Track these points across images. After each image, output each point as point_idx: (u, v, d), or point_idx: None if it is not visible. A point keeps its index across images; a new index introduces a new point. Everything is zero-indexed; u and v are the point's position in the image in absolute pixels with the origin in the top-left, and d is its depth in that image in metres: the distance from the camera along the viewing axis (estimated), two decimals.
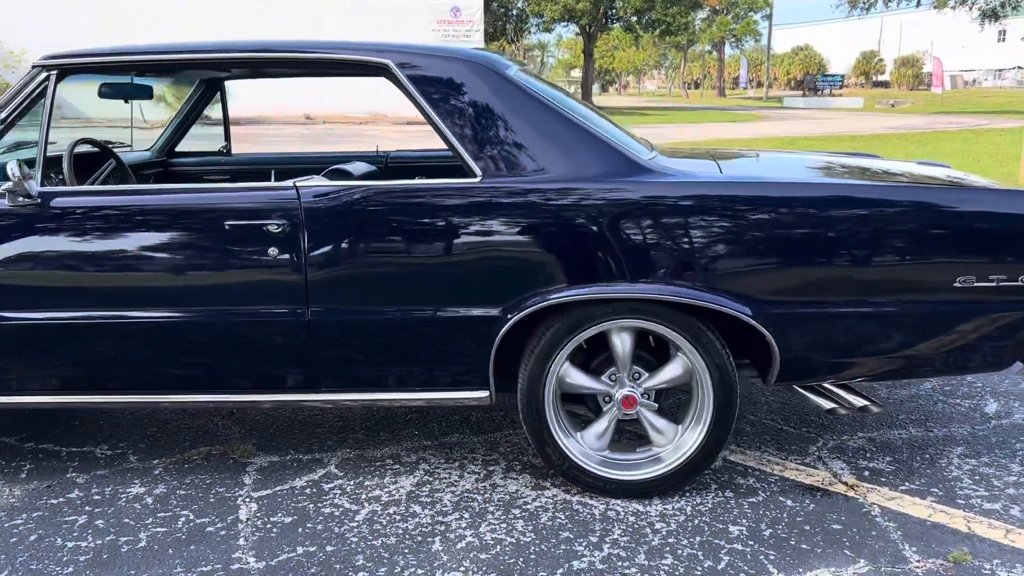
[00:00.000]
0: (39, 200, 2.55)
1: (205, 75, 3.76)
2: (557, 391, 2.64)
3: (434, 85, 2.59)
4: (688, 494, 2.68)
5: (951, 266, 2.47)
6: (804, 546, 2.38)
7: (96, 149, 3.37)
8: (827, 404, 2.69)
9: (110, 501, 2.67)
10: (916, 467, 2.85)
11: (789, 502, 2.63)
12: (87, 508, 2.63)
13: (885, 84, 65.06)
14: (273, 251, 2.52)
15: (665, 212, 2.48)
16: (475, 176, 2.53)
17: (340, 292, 2.54)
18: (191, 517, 2.57)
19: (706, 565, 2.30)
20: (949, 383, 3.62)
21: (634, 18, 40.00)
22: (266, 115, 25.79)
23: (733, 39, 61.18)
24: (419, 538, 2.44)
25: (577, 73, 62.38)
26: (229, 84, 4.09)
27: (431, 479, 2.81)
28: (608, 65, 77.59)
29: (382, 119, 26.41)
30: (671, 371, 2.63)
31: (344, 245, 2.51)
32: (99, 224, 2.58)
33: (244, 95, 24.81)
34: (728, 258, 2.47)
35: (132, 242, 2.56)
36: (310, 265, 2.52)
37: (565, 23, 39.42)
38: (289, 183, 2.58)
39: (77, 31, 24.52)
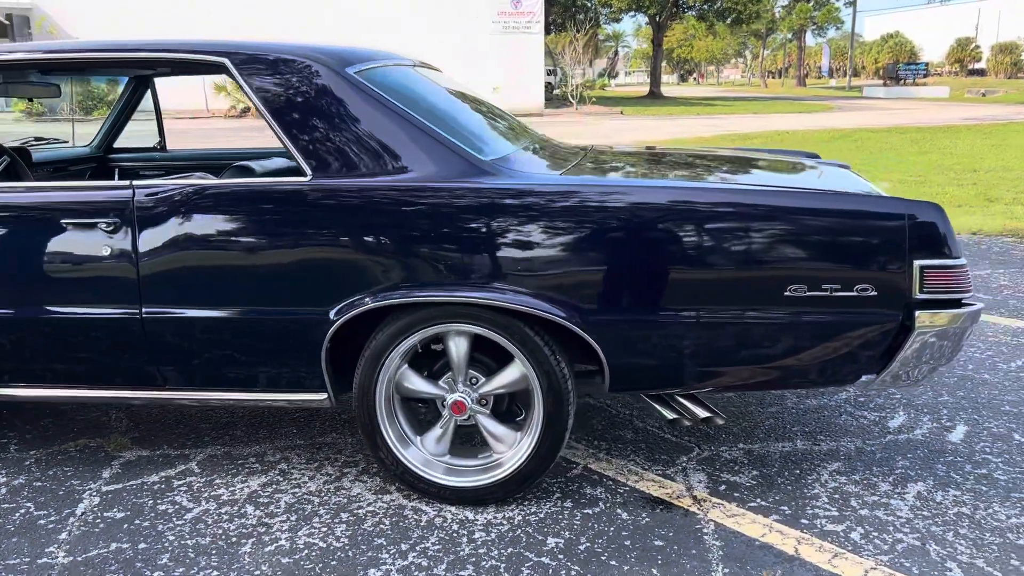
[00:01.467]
0: None
1: (96, 74, 3.87)
2: (392, 394, 2.61)
3: (268, 83, 2.58)
4: (525, 502, 2.62)
5: (781, 274, 2.34)
6: (613, 562, 2.30)
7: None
8: (670, 414, 2.59)
9: None
10: (779, 483, 2.72)
11: (624, 515, 2.54)
12: None
13: (981, 72, 62.24)
14: (107, 250, 2.55)
15: (490, 214, 2.41)
16: (305, 175, 2.51)
17: (172, 291, 2.55)
18: (31, 509, 2.63)
19: None
20: (865, 393, 3.44)
21: (705, 6, 39.20)
22: None
23: (814, 27, 59.35)
24: (234, 539, 2.45)
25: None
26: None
27: (281, 479, 2.81)
28: (686, 55, 76.31)
29: None
30: (507, 377, 2.56)
31: (175, 244, 2.53)
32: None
33: None
34: (552, 262, 2.39)
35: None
36: (143, 264, 2.55)
37: (633, 13, 38.90)
38: (126, 182, 2.61)
39: (131, 12, 25.54)
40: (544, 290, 2.40)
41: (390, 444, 2.61)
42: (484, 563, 2.31)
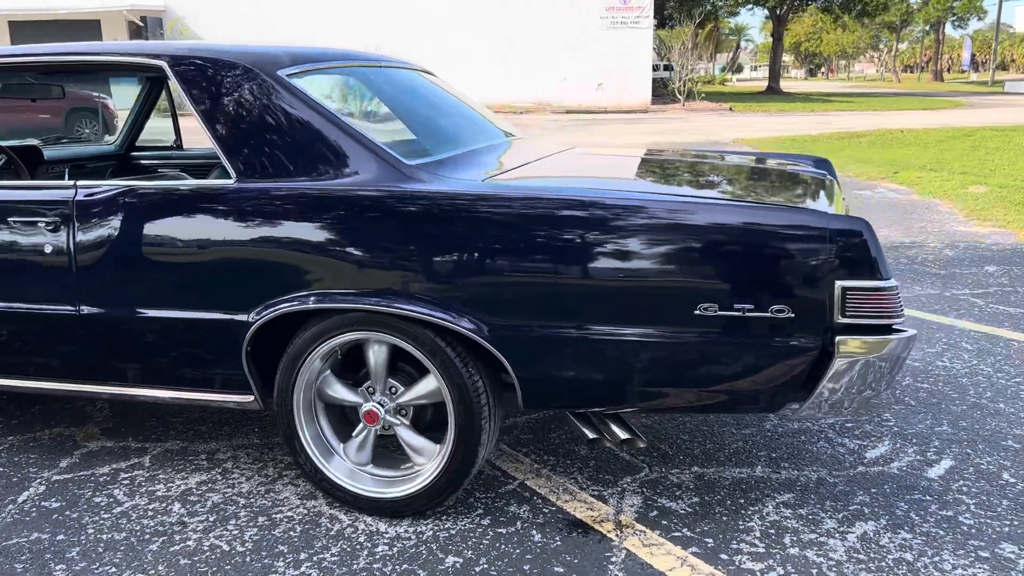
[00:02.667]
0: None
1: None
2: (313, 399, 2.59)
3: (200, 86, 2.60)
4: (443, 517, 2.55)
5: (690, 292, 2.17)
6: None
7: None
8: (592, 434, 2.46)
9: None
10: (716, 512, 2.55)
11: (538, 537, 2.44)
12: None
13: None
14: (49, 248, 2.64)
15: (399, 221, 2.35)
16: (231, 178, 2.52)
17: (105, 290, 2.61)
18: (45, 506, 2.74)
19: None
20: (854, 419, 3.19)
21: None
22: None
23: (954, 18, 55.99)
24: (147, 537, 2.49)
25: (785, 58, 59.47)
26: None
27: (220, 478, 2.84)
28: (814, 48, 73.49)
29: (544, 107, 26.57)
30: (424, 387, 2.50)
31: (107, 244, 2.58)
32: None
33: None
34: (459, 272, 2.31)
35: None
36: (79, 263, 2.62)
37: (751, 6, 37.71)
38: (70, 182, 2.68)
39: (262, 17, 26.61)
40: (451, 300, 2.32)
41: (308, 449, 2.60)
42: None
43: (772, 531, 2.44)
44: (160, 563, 2.35)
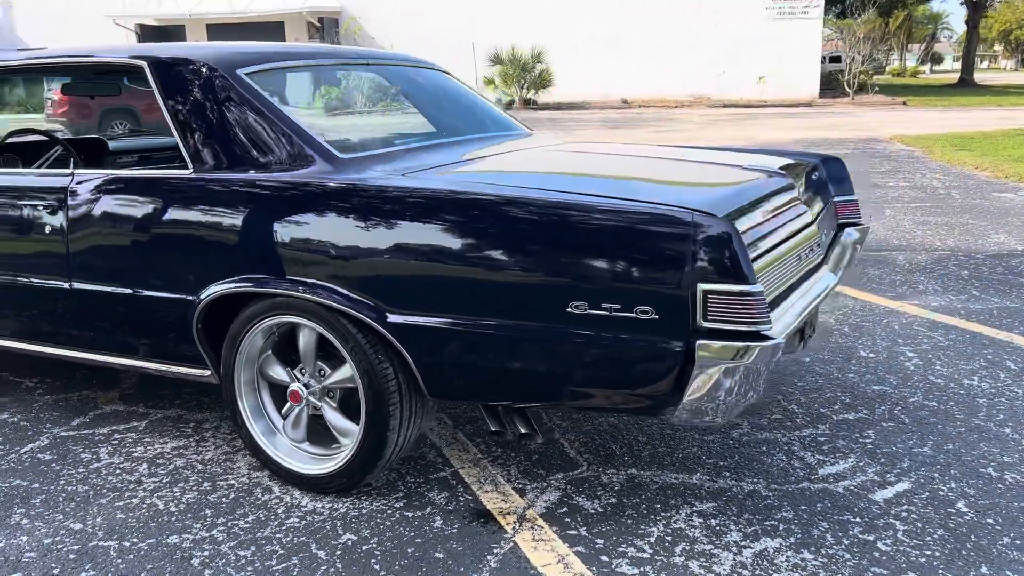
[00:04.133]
0: None
1: None
2: (255, 377, 2.77)
3: (169, 84, 2.82)
4: (365, 496, 2.66)
5: (562, 289, 2.16)
6: (376, 567, 2.29)
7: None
8: (494, 426, 2.50)
9: None
10: (625, 514, 2.51)
11: (438, 523, 2.50)
12: None
13: None
14: (49, 229, 2.97)
15: (318, 211, 2.48)
16: (187, 169, 2.74)
17: (88, 267, 2.91)
18: (40, 458, 3.11)
19: (271, 563, 2.32)
20: (850, 431, 3.01)
21: None
22: (591, 100, 26.74)
23: None
24: (103, 492, 2.75)
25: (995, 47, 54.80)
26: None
27: (194, 445, 3.08)
28: None
29: (701, 101, 25.93)
30: (343, 371, 2.61)
31: (89, 227, 2.88)
32: None
33: (569, 81, 26.01)
34: (364, 262, 2.41)
35: None
36: (71, 243, 2.93)
37: None
38: (68, 171, 3.00)
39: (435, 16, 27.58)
40: (356, 288, 2.42)
41: (248, 424, 2.77)
42: (268, 547, 2.40)
43: (668, 538, 2.38)
44: (100, 516, 2.60)
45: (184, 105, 2.78)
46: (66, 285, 2.96)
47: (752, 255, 2.15)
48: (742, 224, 2.16)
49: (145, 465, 2.94)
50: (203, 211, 2.66)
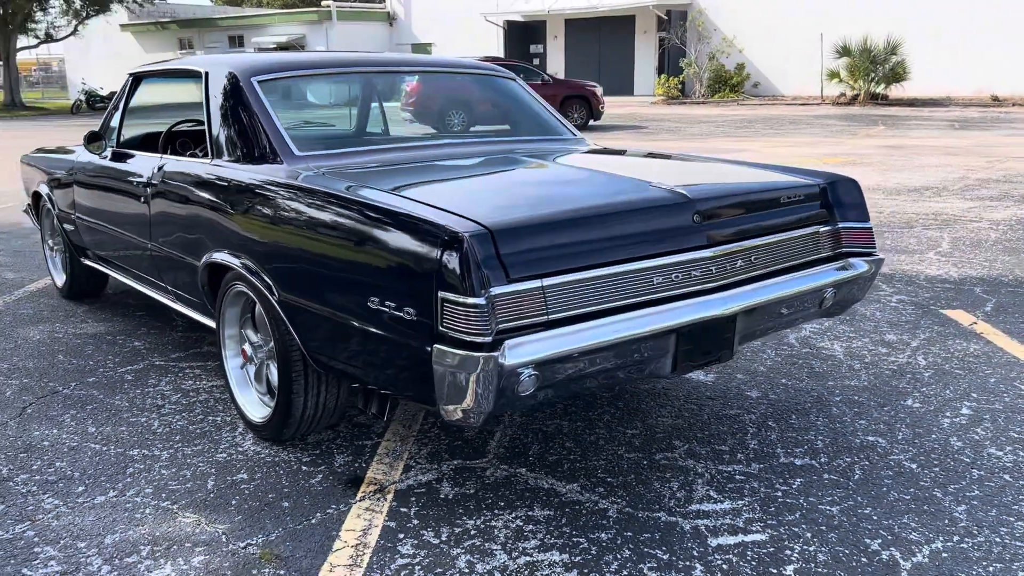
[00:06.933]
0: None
1: None
2: (236, 334, 3.30)
3: (212, 89, 3.46)
4: (291, 448, 3.07)
5: (364, 285, 2.41)
6: (234, 502, 2.70)
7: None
8: (359, 402, 2.78)
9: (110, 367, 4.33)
10: (460, 505, 2.65)
11: (315, 480, 2.84)
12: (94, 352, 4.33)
13: None
14: (143, 203, 3.78)
15: (257, 199, 2.95)
16: (208, 159, 3.37)
17: (159, 232, 3.67)
18: (106, 362, 4.04)
19: (192, 485, 2.83)
20: (762, 475, 2.81)
21: None
22: (955, 96, 24.11)
23: None
24: (134, 409, 3.48)
25: None
26: None
27: (222, 384, 3.73)
28: None
29: None
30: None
31: (156, 201, 3.63)
32: (90, 179, 4.19)
33: (928, 74, 23.50)
34: (271, 245, 2.84)
35: (102, 191, 4.12)
36: (153, 214, 3.71)
37: None
38: (159, 155, 3.78)
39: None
40: (264, 267, 2.86)
41: (226, 369, 3.32)
42: (192, 467, 2.93)
43: (472, 532, 2.49)
44: (110, 424, 3.33)
45: (214, 107, 3.39)
46: (148, 245, 3.77)
47: (528, 272, 2.21)
48: (515, 240, 2.21)
49: (176, 396, 3.63)
50: (208, 195, 3.24)
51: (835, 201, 3.05)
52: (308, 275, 2.67)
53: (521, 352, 2.14)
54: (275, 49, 32.49)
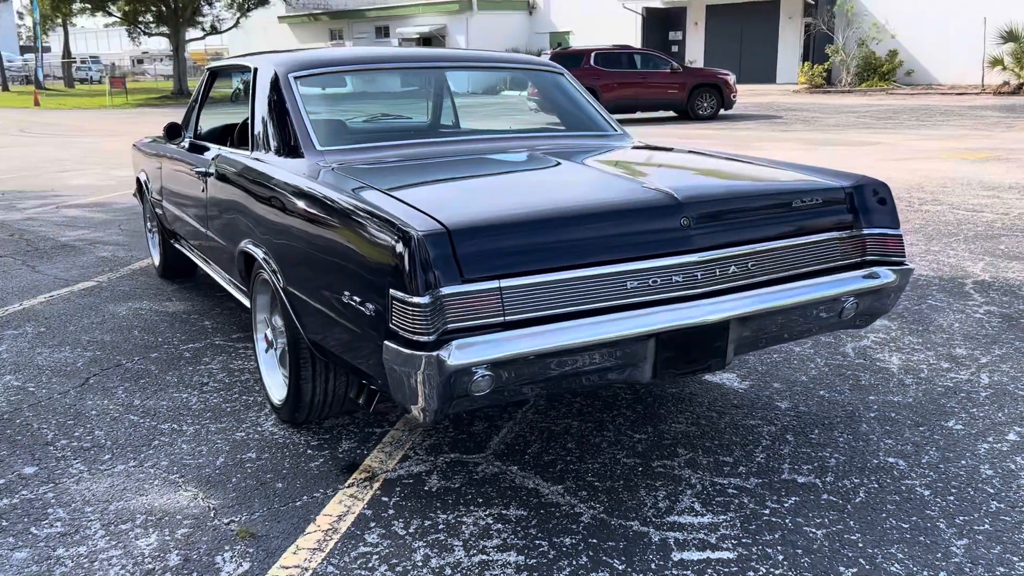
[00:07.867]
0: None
1: None
2: (267, 319, 3.46)
3: (258, 84, 3.62)
4: (307, 431, 3.20)
5: (340, 280, 2.49)
6: (234, 479, 2.85)
7: None
8: (352, 392, 2.88)
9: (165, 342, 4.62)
10: (440, 499, 2.68)
11: (314, 464, 2.94)
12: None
13: None
14: (203, 192, 4.01)
15: (277, 192, 3.08)
16: (248, 151, 3.54)
17: (212, 219, 3.89)
18: (170, 338, 4.32)
19: (204, 461, 3.02)
20: (756, 492, 2.70)
21: None
22: None
23: None
24: (181, 383, 3.72)
25: None
26: None
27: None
28: None
29: None
30: None
31: (210, 189, 3.85)
32: (171, 168, 4.48)
33: None
34: (289, 236, 2.95)
35: (178, 179, 4.40)
36: (207, 202, 3.94)
37: None
38: (217, 146, 3.99)
39: None
40: (273, 257, 3.00)
41: (257, 352, 3.49)
42: (211, 443, 3.11)
43: (440, 527, 2.51)
44: (155, 398, 3.56)
45: (255, 101, 3.56)
46: (205, 228, 4.00)
47: (486, 272, 2.21)
48: (474, 240, 2.21)
49: (222, 374, 3.84)
50: (244, 187, 3.41)
51: (862, 206, 2.87)
52: (302, 266, 2.78)
53: (470, 352, 2.15)
54: (416, 42, 33.37)
